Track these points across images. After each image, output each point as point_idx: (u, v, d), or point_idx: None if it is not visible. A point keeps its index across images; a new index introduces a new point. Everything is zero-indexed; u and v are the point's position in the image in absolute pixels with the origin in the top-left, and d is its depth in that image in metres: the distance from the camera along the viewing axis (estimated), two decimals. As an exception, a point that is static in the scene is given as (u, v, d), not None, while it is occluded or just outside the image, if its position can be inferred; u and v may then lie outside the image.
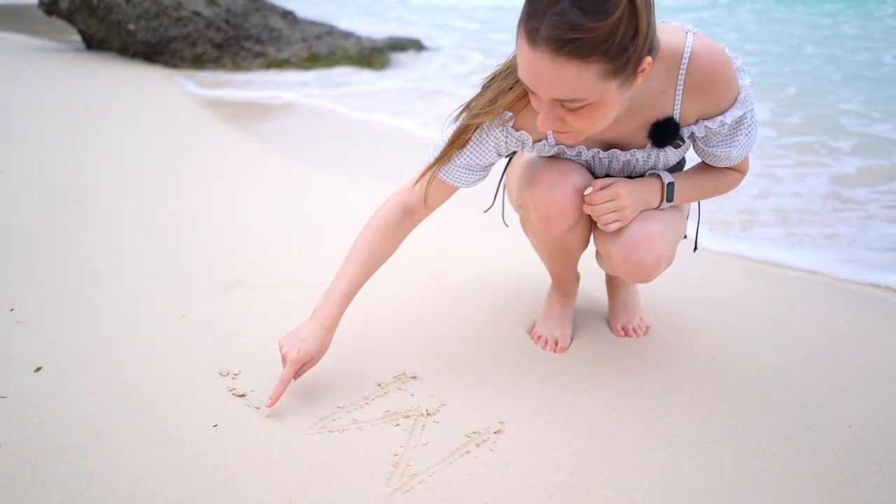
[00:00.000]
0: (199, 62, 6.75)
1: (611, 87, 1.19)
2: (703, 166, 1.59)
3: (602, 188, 1.49)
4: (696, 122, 1.43)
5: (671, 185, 1.53)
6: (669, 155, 1.52)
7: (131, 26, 6.76)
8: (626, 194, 1.48)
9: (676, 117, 1.41)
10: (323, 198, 3.05)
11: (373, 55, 7.30)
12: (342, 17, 11.26)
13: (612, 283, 1.94)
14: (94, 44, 7.34)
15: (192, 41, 6.77)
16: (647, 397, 1.59)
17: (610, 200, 1.48)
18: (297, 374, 1.49)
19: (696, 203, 1.83)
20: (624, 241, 1.52)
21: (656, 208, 1.55)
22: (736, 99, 1.39)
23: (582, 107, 1.21)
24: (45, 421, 1.39)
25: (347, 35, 7.58)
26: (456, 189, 1.54)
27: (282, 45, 7.01)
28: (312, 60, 6.93)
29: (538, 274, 2.19)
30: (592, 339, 1.85)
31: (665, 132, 1.43)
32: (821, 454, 1.41)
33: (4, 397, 1.45)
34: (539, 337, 1.83)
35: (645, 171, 1.56)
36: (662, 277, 2.27)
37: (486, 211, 1.83)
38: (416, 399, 1.54)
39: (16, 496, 1.19)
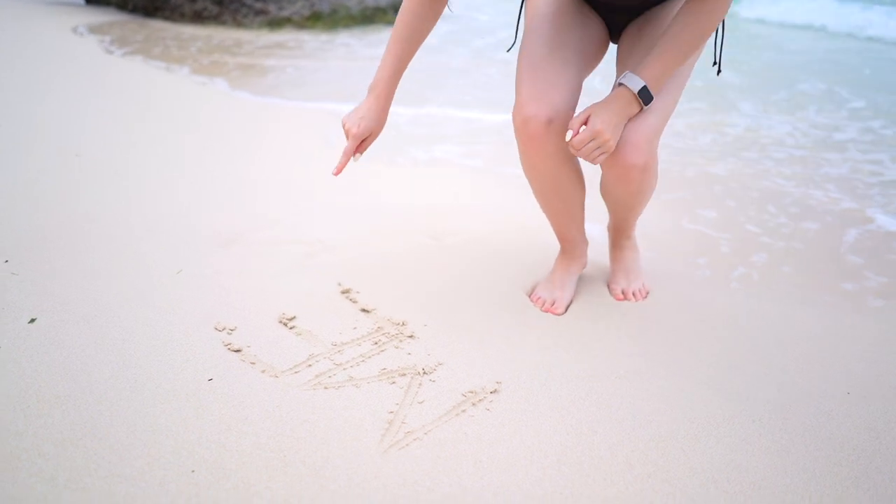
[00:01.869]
0: (199, 18, 6.64)
1: None
2: (669, 29, 1.47)
3: (580, 125, 1.47)
4: None
5: (644, 89, 1.48)
6: None
7: (130, -20, 6.63)
8: (605, 125, 1.46)
9: None
10: (322, 156, 3.01)
11: (376, 15, 7.18)
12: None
13: (615, 245, 1.92)
14: (92, -3, 7.21)
15: (191, -4, 6.65)
16: (646, 361, 1.58)
17: (591, 139, 1.47)
18: (360, 148, 1.65)
19: (720, 28, 1.64)
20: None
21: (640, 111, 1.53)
22: None
23: None
24: (38, 371, 1.38)
25: (351, -7, 7.44)
26: None
27: (283, 3, 6.88)
28: (314, 19, 6.82)
29: (540, 236, 2.17)
30: (594, 303, 1.83)
31: None
32: (818, 420, 1.41)
33: (-2, 347, 1.44)
34: (538, 298, 1.82)
35: None
36: (665, 242, 2.25)
37: (508, 50, 1.83)
38: (412, 358, 1.53)
39: (8, 445, 1.18)
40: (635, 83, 1.48)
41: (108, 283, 1.75)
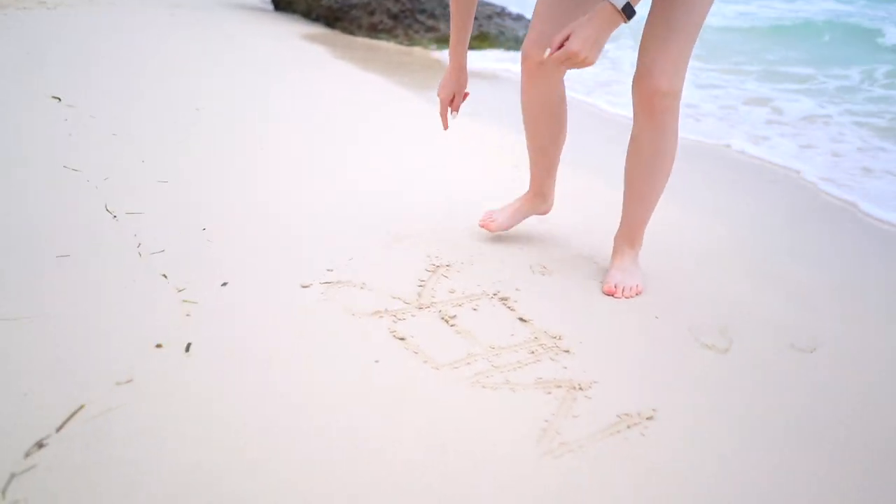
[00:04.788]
0: (374, 31, 7.02)
1: None
2: None
3: (560, 43, 1.56)
4: None
5: (627, 4, 1.52)
6: None
7: (317, -9, 7.13)
8: (583, 44, 1.52)
9: None
10: (506, 176, 3.08)
11: (541, 40, 7.27)
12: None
13: (617, 251, 2.03)
14: (281, 5, 7.82)
15: (370, 10, 7.05)
16: (813, 411, 1.49)
17: (567, 59, 1.55)
18: (453, 106, 2.05)
19: None
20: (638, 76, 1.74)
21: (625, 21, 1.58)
22: None
23: None
24: (227, 330, 1.51)
25: (518, 17, 7.59)
26: None
27: (453, 22, 7.12)
28: (481, 39, 7.00)
29: (705, 278, 2.11)
30: (760, 350, 1.75)
31: None
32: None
33: (196, 303, 1.60)
34: (485, 212, 2.16)
35: None
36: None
37: None
38: (568, 372, 1.53)
39: (200, 395, 1.30)
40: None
41: (288, 260, 1.89)
